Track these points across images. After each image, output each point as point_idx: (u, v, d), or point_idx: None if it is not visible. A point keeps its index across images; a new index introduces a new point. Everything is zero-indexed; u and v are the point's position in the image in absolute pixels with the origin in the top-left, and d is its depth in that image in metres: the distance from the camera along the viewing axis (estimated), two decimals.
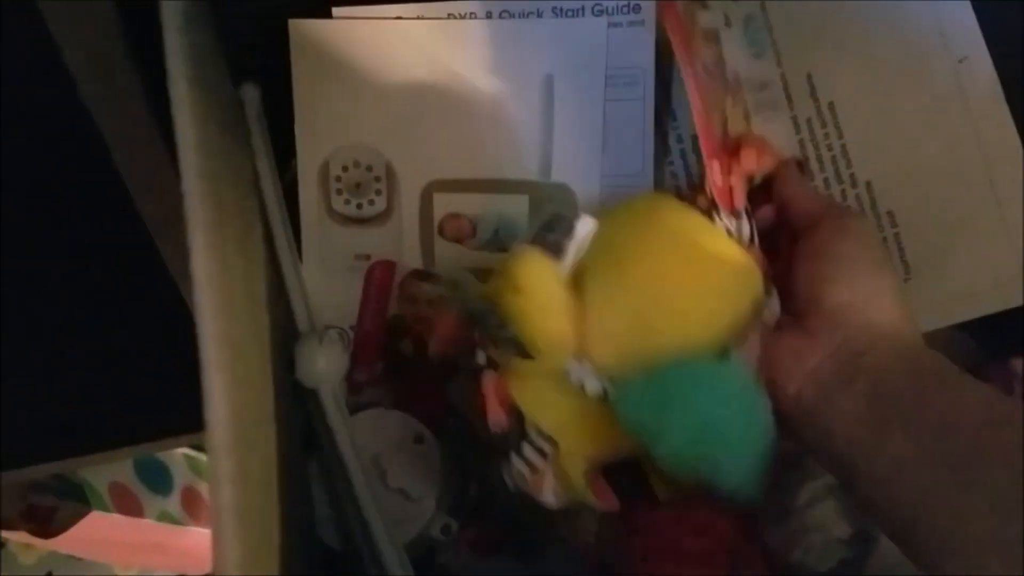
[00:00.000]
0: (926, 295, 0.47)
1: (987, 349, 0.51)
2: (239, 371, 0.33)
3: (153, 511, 0.68)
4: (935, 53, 0.45)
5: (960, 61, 0.45)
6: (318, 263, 0.50)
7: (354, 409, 0.49)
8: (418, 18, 0.47)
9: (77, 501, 0.61)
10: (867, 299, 0.38)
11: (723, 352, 0.37)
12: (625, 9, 0.47)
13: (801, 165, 0.47)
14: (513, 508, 0.41)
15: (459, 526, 0.48)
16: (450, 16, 0.47)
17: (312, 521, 0.48)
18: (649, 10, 0.47)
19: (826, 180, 0.47)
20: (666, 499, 0.42)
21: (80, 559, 0.66)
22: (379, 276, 0.50)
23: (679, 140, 0.49)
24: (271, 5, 0.47)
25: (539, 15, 0.47)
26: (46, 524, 0.60)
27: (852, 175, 0.47)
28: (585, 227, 0.39)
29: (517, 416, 0.39)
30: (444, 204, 0.49)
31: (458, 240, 0.50)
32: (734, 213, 0.41)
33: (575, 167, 0.48)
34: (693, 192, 0.43)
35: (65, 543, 0.62)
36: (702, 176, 0.43)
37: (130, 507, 0.66)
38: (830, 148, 0.47)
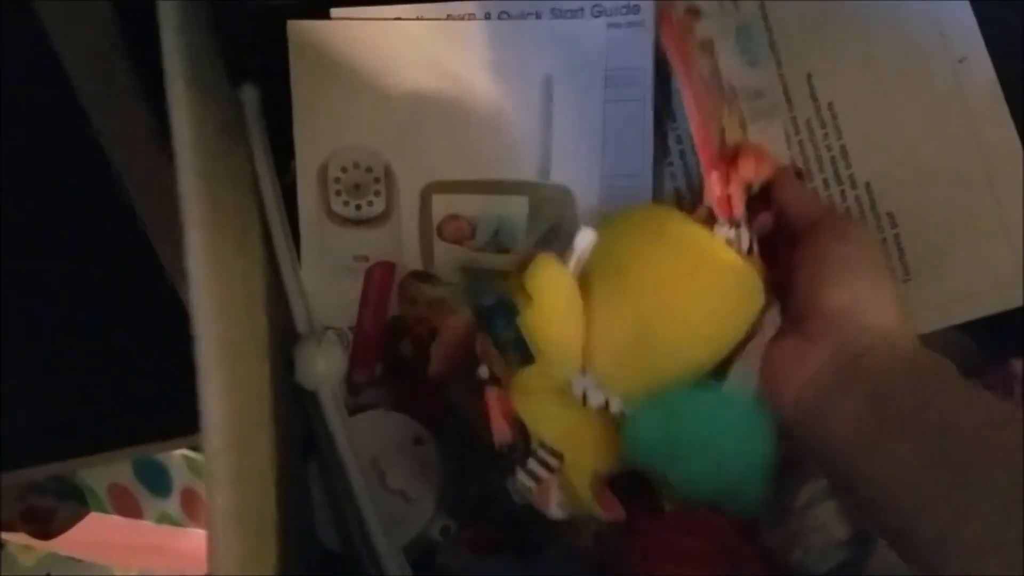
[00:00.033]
0: (926, 296, 0.47)
1: (987, 349, 0.51)
2: (237, 373, 0.33)
3: (152, 512, 0.68)
4: (935, 53, 0.45)
5: (960, 61, 0.45)
6: (317, 264, 0.50)
7: (353, 411, 0.49)
8: (417, 19, 0.47)
9: (76, 502, 0.61)
10: (866, 302, 0.38)
11: (725, 364, 0.38)
12: (624, 10, 0.47)
13: (799, 172, 0.47)
14: (513, 508, 0.41)
15: (458, 527, 0.48)
16: (449, 17, 0.47)
17: (311, 523, 0.48)
18: (648, 11, 0.46)
19: (825, 181, 0.47)
20: (672, 511, 0.42)
21: (79, 560, 0.66)
22: (379, 277, 0.50)
23: (678, 141, 0.49)
24: (270, 6, 0.47)
25: (538, 16, 0.47)
26: (45, 525, 0.60)
27: (851, 176, 0.47)
28: (585, 239, 0.39)
29: (521, 430, 0.39)
30: (443, 205, 0.49)
31: (458, 241, 0.50)
32: (733, 222, 0.41)
33: (574, 168, 0.48)
34: (692, 202, 0.43)
35: (64, 544, 0.62)
36: (701, 187, 0.43)
37: (129, 508, 0.66)
38: (829, 149, 0.47)
